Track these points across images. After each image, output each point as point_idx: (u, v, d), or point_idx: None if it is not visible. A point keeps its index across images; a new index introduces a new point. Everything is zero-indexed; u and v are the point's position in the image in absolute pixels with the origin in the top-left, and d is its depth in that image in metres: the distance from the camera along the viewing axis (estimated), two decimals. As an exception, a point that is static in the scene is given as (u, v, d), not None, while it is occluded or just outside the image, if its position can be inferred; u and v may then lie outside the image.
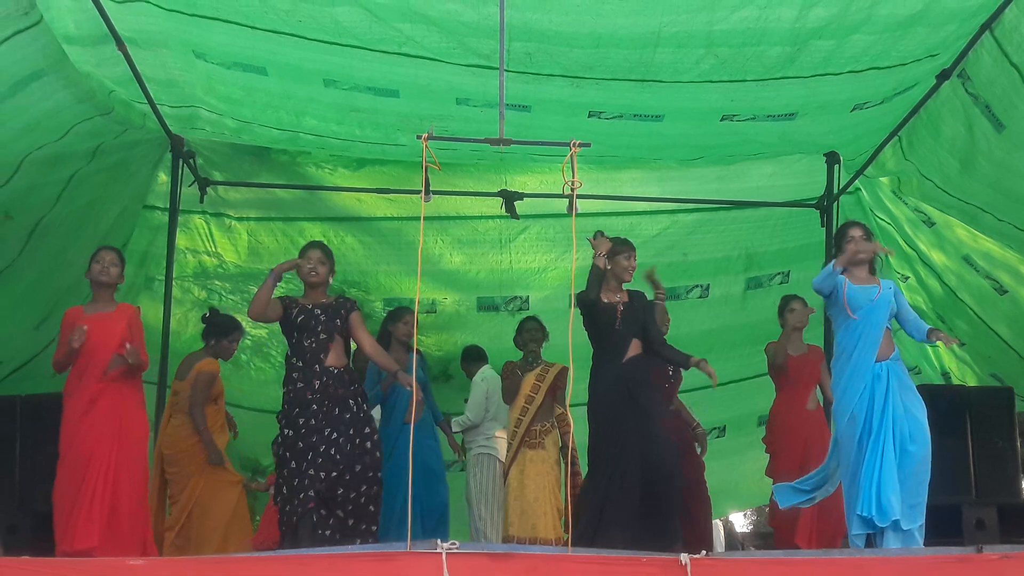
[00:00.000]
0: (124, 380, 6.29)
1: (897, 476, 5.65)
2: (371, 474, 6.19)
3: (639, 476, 6.24)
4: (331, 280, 6.53)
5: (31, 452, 7.02)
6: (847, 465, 5.85)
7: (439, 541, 4.73)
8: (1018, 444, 7.75)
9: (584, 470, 6.93)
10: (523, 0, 5.74)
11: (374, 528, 6.20)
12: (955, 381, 9.18)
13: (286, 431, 6.15)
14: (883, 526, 5.62)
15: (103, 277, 6.39)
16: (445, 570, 4.64)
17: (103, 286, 6.41)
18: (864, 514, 5.64)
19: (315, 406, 6.11)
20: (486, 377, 7.80)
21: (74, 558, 5.63)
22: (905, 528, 5.64)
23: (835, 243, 6.48)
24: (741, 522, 14.78)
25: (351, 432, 6.14)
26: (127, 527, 6.14)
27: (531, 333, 7.66)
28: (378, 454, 6.25)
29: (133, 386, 6.38)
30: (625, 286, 6.64)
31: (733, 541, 12.51)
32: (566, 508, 7.13)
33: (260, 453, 8.40)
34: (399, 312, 7.83)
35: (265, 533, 7.31)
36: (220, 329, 7.39)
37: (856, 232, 6.08)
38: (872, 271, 6.14)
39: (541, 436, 7.39)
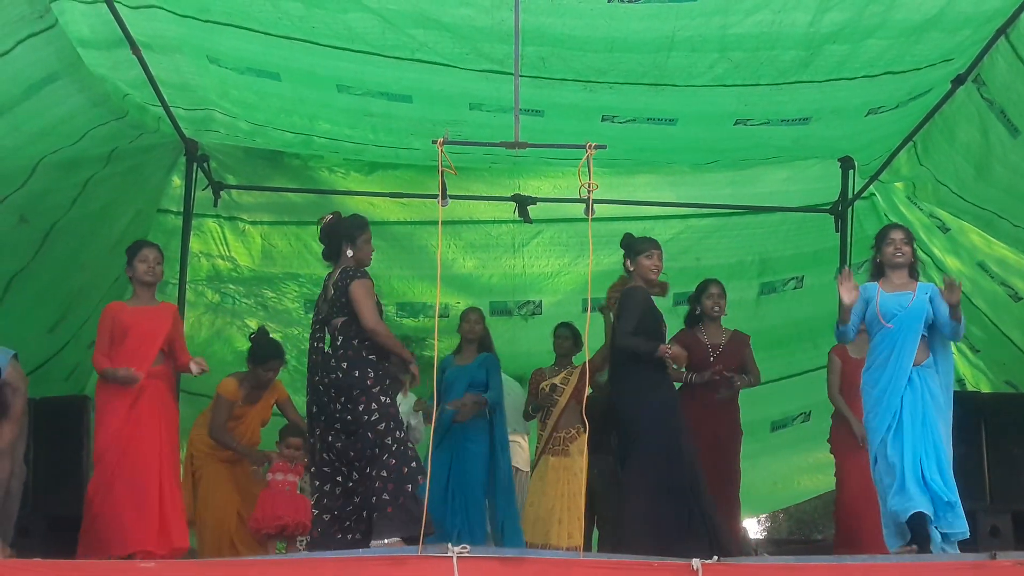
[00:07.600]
0: (166, 374, 6.33)
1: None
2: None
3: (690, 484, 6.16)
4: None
5: (44, 454, 7.04)
6: (886, 474, 5.76)
7: (449, 545, 4.73)
8: (1032, 451, 7.69)
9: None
10: (537, 5, 5.72)
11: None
12: (969, 387, 9.12)
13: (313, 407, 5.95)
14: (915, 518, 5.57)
15: (148, 277, 6.37)
16: (456, 574, 4.63)
17: (148, 285, 6.39)
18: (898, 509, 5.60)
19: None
20: None
21: (93, 561, 5.61)
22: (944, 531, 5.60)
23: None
24: (755, 528, 14.74)
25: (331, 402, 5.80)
26: (177, 516, 6.16)
27: (559, 340, 7.66)
28: (346, 439, 5.74)
29: (173, 378, 6.41)
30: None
31: (746, 547, 12.44)
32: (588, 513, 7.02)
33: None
34: (465, 312, 7.86)
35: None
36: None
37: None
38: (913, 275, 6.04)
39: (566, 443, 7.25)
